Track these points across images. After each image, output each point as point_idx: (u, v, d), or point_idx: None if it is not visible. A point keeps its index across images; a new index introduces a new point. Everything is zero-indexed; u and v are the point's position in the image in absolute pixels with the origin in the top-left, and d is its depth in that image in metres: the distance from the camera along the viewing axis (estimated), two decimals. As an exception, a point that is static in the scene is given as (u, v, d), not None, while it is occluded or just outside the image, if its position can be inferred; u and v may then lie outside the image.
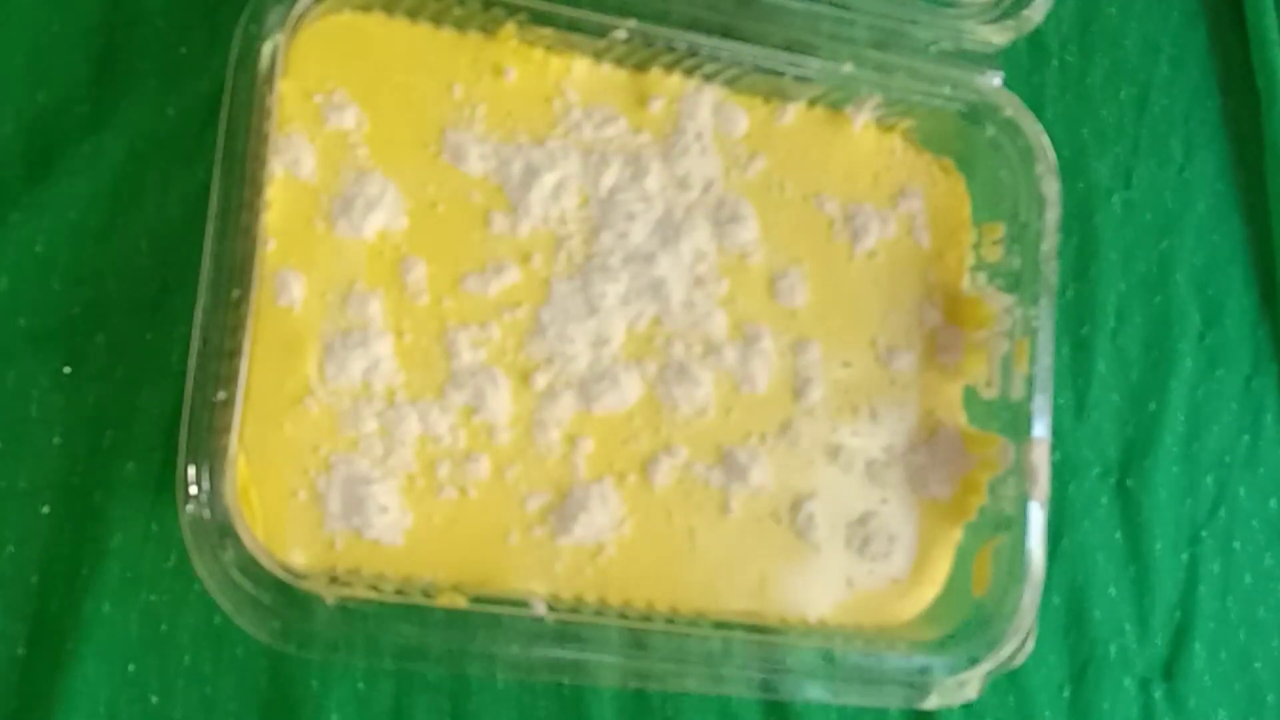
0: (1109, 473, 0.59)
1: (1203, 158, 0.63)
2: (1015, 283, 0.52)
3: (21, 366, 0.47)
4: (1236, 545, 0.61)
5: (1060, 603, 0.57)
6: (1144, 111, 0.62)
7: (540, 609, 0.46)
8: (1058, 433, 0.57)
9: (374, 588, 0.46)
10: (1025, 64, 0.60)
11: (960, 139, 0.54)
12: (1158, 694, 0.58)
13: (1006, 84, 0.53)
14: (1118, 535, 0.59)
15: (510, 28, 0.50)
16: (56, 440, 0.47)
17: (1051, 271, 0.52)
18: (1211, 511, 0.61)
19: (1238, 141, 0.64)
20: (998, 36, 0.52)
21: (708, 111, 0.52)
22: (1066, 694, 0.57)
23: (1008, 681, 0.55)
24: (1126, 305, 0.61)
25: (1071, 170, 0.60)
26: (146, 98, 0.49)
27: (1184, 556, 0.60)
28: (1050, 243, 0.52)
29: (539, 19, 0.49)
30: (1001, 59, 0.52)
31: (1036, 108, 0.53)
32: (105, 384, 0.47)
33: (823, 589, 0.51)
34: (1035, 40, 0.60)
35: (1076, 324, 0.60)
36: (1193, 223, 0.62)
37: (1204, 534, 0.60)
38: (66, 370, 0.47)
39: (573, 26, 0.50)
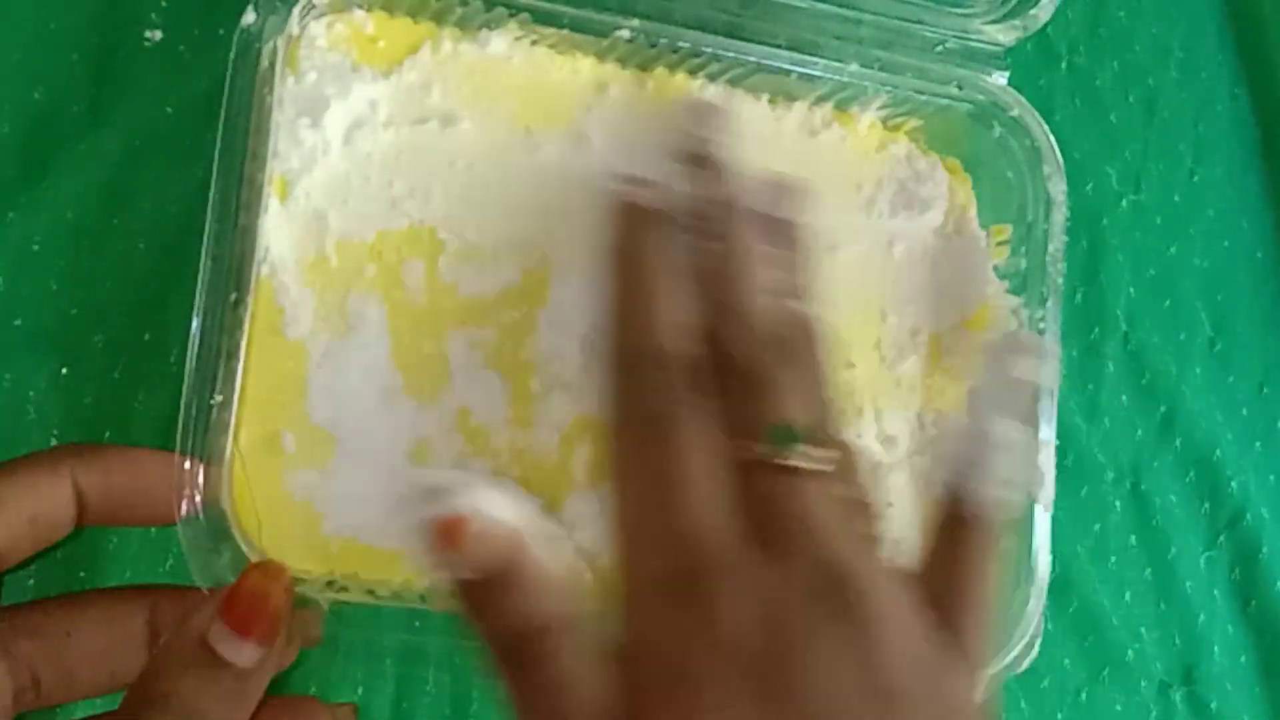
0: (1122, 477, 0.59)
1: (1213, 162, 0.63)
2: (1022, 284, 0.52)
3: (18, 367, 0.47)
4: (1253, 551, 0.61)
5: (1076, 607, 0.57)
6: (1153, 115, 0.62)
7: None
8: (1069, 436, 0.57)
9: (371, 592, 0.45)
10: (1034, 67, 0.60)
11: (966, 139, 0.53)
12: (1177, 697, 0.58)
13: (1015, 87, 0.52)
14: (1132, 539, 0.59)
15: (512, 27, 0.49)
16: (54, 441, 0.47)
17: (1058, 273, 0.51)
18: (1227, 517, 0.60)
19: (1248, 146, 0.63)
20: (1004, 35, 0.51)
21: (711, 112, 0.52)
22: (1083, 697, 0.57)
23: (1021, 686, 0.55)
24: (1136, 309, 0.60)
25: (1080, 173, 0.59)
26: (145, 96, 0.49)
27: (1200, 561, 0.60)
28: (1057, 244, 0.51)
29: (541, 18, 0.49)
30: (1010, 61, 0.52)
31: (1045, 111, 0.52)
32: (103, 385, 0.47)
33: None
34: (1044, 43, 0.60)
35: (1086, 328, 0.59)
36: (1203, 227, 0.62)
37: (1221, 539, 0.60)
38: (64, 371, 0.47)
39: (576, 26, 0.49)
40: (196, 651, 0.37)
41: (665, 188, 0.44)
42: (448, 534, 0.35)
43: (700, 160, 0.45)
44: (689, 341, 0.41)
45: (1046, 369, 0.47)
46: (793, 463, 0.39)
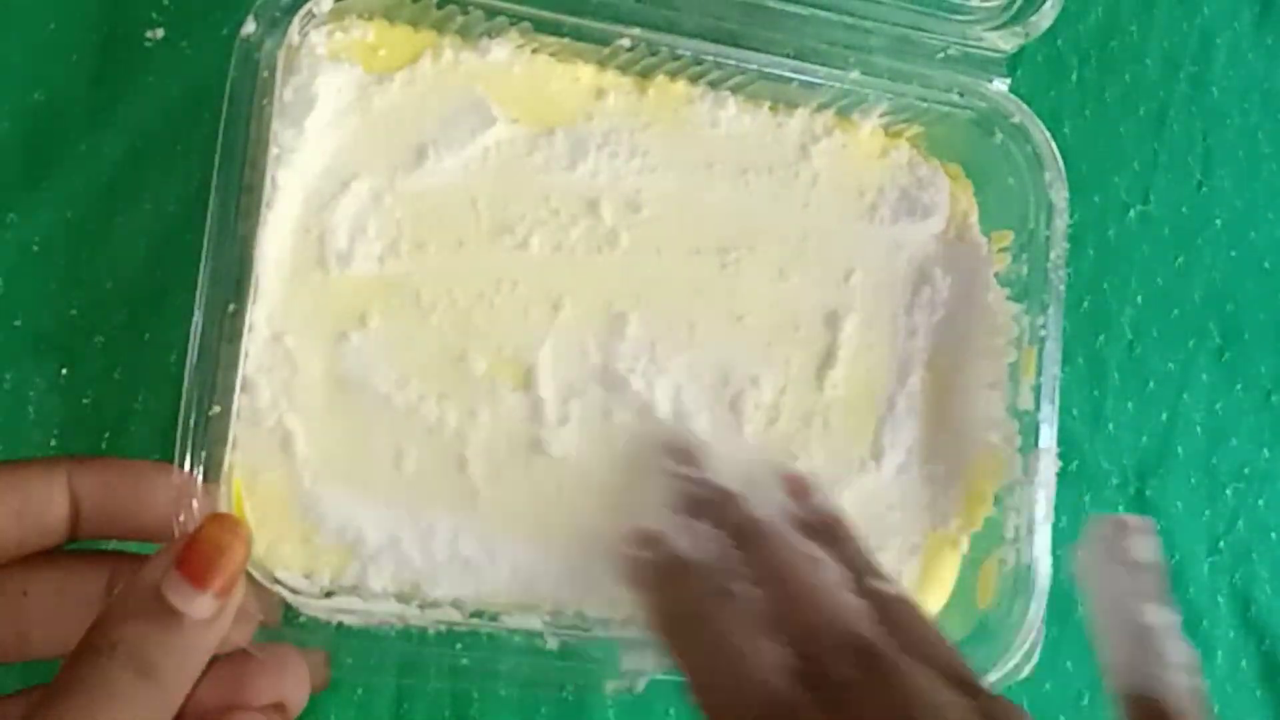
0: (1127, 483, 0.59)
1: (1221, 175, 0.63)
2: (1024, 291, 0.51)
3: (19, 368, 0.47)
4: (1255, 556, 0.61)
5: (1081, 611, 0.57)
6: (1163, 128, 0.62)
7: (542, 625, 0.46)
8: (1074, 443, 0.57)
9: (370, 603, 0.45)
10: (1045, 78, 0.60)
11: (969, 145, 0.53)
12: (1179, 701, 0.58)
13: (1025, 98, 0.52)
14: (1136, 544, 0.59)
15: (513, 35, 0.49)
16: (53, 442, 0.47)
17: (1060, 280, 0.51)
18: (1230, 523, 0.61)
19: (1256, 159, 0.64)
20: (1006, 42, 0.51)
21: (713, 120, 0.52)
22: (1085, 701, 0.57)
23: (1024, 690, 0.55)
24: (1143, 319, 0.61)
25: (1089, 184, 0.60)
26: (145, 96, 0.49)
27: (1203, 567, 0.60)
28: (1059, 251, 0.51)
29: (542, 27, 0.49)
30: (1021, 73, 0.51)
31: (1054, 121, 0.52)
32: (103, 385, 0.47)
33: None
34: (1054, 55, 0.60)
35: (1092, 336, 0.60)
36: (1210, 238, 0.62)
37: (1222, 545, 0.60)
38: (64, 372, 0.47)
39: (576, 34, 0.49)
40: (149, 601, 0.36)
41: (676, 535, 0.44)
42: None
43: (700, 503, 0.45)
44: (788, 684, 0.39)
45: (1156, 543, 0.44)
46: None
